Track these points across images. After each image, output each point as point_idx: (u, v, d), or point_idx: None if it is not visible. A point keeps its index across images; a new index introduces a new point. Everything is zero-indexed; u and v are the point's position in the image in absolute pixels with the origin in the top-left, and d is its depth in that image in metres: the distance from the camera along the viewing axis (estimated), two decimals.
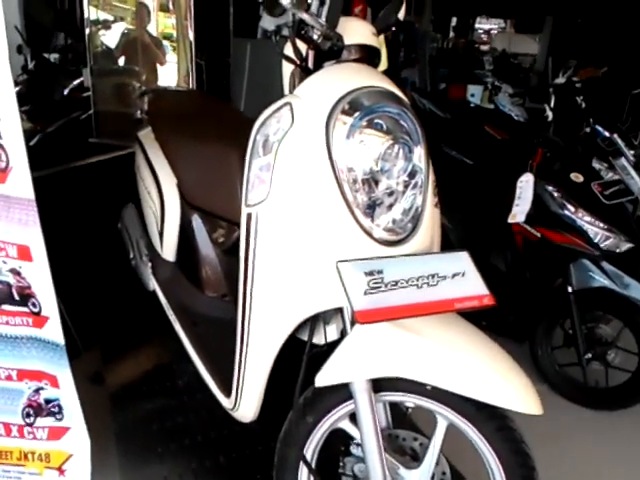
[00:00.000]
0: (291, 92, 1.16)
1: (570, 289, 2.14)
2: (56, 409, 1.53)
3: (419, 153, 1.08)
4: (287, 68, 1.25)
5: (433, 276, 1.01)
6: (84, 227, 2.34)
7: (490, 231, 2.47)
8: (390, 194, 1.07)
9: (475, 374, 1.03)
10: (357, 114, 1.05)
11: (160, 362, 2.17)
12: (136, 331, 2.27)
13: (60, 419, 1.52)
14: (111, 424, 1.82)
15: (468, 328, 1.11)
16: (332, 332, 1.26)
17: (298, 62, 1.16)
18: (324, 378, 1.09)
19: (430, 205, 1.12)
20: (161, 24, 3.91)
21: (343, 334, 1.12)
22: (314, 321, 1.18)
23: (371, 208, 1.06)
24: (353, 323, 1.09)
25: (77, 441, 1.51)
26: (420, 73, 6.36)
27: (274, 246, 1.13)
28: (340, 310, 1.12)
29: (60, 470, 1.54)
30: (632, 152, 2.25)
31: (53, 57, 4.39)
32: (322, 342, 1.25)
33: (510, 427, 1.09)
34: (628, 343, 2.15)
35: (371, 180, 1.06)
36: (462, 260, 1.05)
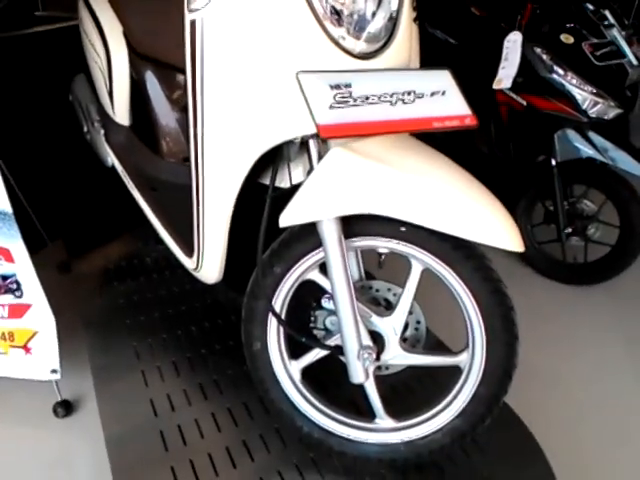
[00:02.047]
0: None
1: (554, 162, 2.06)
2: (14, 285, 1.47)
3: None
4: None
5: (409, 93, 0.89)
6: (34, 102, 2.16)
7: (474, 105, 2.33)
8: None
9: (453, 208, 0.94)
10: None
11: (128, 245, 2.07)
12: (101, 216, 2.14)
13: (19, 296, 1.46)
14: (79, 305, 1.75)
15: (446, 161, 1.01)
16: (298, 174, 1.15)
17: None
18: (289, 217, 0.99)
19: (407, 16, 0.96)
20: None
21: (310, 174, 1.00)
22: (277, 161, 1.06)
23: (339, 14, 0.90)
24: (320, 159, 0.98)
25: (41, 318, 1.45)
26: None
27: (224, 59, 0.96)
28: (306, 147, 1.00)
29: (25, 348, 1.49)
30: (623, 32, 2.11)
31: None
32: (287, 185, 1.14)
33: (488, 266, 1.03)
34: (609, 217, 2.11)
35: None
36: (443, 78, 0.92)
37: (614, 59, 2.04)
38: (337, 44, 0.91)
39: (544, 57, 2.02)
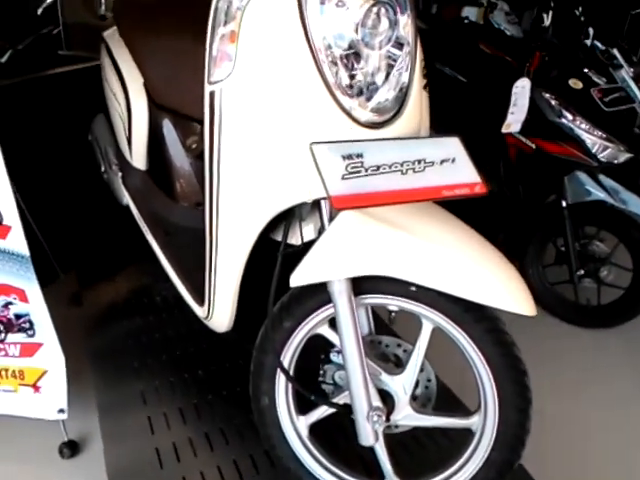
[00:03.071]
0: None
1: (564, 203, 2.07)
2: (27, 325, 1.49)
3: (405, 21, 0.94)
4: None
5: (419, 162, 0.90)
6: (56, 142, 2.21)
7: (483, 145, 2.35)
8: (373, 68, 0.94)
9: (463, 271, 0.94)
10: None
11: (139, 282, 2.09)
12: (114, 251, 2.17)
13: (32, 335, 1.48)
14: (87, 342, 1.77)
15: (456, 223, 1.02)
16: (309, 231, 1.16)
17: None
18: (300, 277, 1.00)
19: (418, 85, 0.99)
20: None
21: (321, 233, 1.02)
22: (289, 219, 1.07)
23: (351, 86, 0.93)
24: (332, 219, 0.99)
25: (51, 357, 1.47)
26: None
27: (241, 128, 1.00)
28: (318, 206, 1.02)
29: (35, 387, 1.51)
30: (632, 69, 2.12)
31: None
32: (298, 242, 1.16)
33: (500, 329, 1.02)
34: (622, 259, 2.10)
35: (352, 54, 0.93)
36: (452, 146, 0.94)
37: (623, 104, 2.05)
38: (349, 115, 0.93)
39: (553, 102, 2.04)
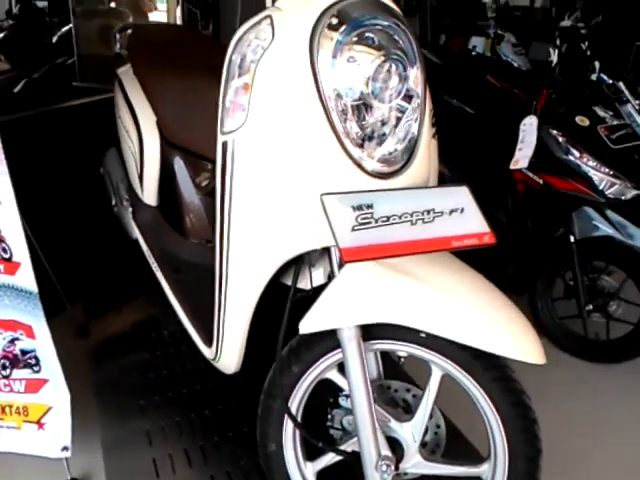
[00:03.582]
0: (273, 4, 1.02)
1: (572, 238, 2.06)
2: (33, 361, 1.48)
3: (415, 74, 0.96)
4: None
5: (429, 212, 0.91)
6: (67, 173, 2.24)
7: (491, 179, 2.36)
8: (383, 121, 0.95)
9: (472, 319, 0.94)
10: (344, 28, 0.92)
11: (146, 315, 2.10)
12: (122, 283, 2.18)
13: (37, 371, 1.47)
14: (93, 377, 1.76)
15: (465, 270, 1.02)
16: (319, 276, 1.16)
17: None
18: (309, 324, 1.00)
19: (427, 135, 1.00)
20: None
21: (330, 278, 1.03)
22: (299, 264, 1.08)
23: (361, 136, 0.95)
24: (341, 265, 1.00)
25: (56, 394, 1.46)
26: (420, 22, 6.10)
27: (252, 178, 1.01)
28: (327, 252, 1.03)
29: (39, 424, 1.49)
30: (637, 102, 2.14)
31: (42, 4, 4.22)
32: (308, 287, 1.16)
33: (510, 377, 1.02)
34: (631, 294, 2.08)
35: (362, 105, 0.94)
36: (461, 195, 0.94)
37: (630, 142, 2.06)
38: (358, 165, 0.95)
39: (560, 139, 2.05)
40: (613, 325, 2.13)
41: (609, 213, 2.02)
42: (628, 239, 1.98)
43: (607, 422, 1.86)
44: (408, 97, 0.96)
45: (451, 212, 0.92)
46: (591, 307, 2.11)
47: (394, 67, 0.92)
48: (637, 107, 2.14)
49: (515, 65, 2.80)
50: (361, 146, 0.95)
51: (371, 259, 0.87)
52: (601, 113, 2.12)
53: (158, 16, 3.70)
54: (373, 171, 0.96)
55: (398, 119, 0.97)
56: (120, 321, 2.07)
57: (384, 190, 0.93)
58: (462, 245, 0.90)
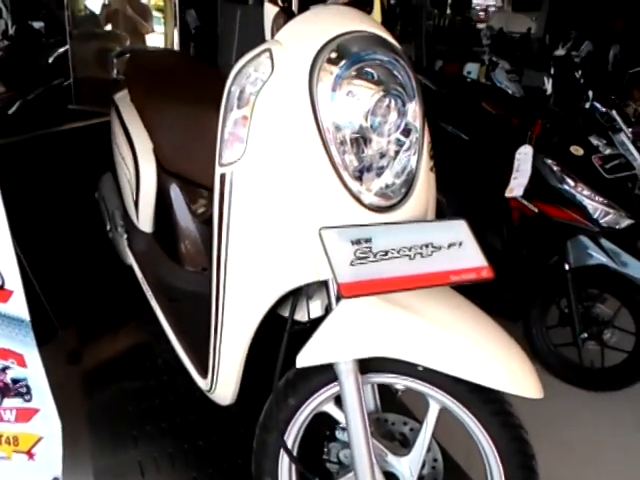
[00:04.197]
0: (273, 38, 1.03)
1: (567, 267, 2.07)
2: (24, 389, 1.46)
3: (413, 109, 0.97)
4: (270, 11, 1.12)
5: (427, 246, 0.91)
6: (61, 197, 2.23)
7: (486, 206, 2.38)
8: (381, 154, 0.96)
9: (469, 354, 0.94)
10: (344, 62, 0.93)
11: (140, 341, 2.07)
12: (115, 308, 2.16)
13: (29, 400, 1.45)
14: (85, 405, 1.73)
15: (463, 303, 1.02)
16: (316, 308, 1.16)
17: (281, 3, 1.04)
18: (306, 358, 0.99)
19: (425, 168, 1.01)
20: None
21: (328, 310, 1.02)
22: (296, 296, 1.08)
23: (360, 170, 0.95)
24: (339, 298, 1.00)
25: (47, 423, 1.43)
26: (416, 48, 6.20)
27: (250, 210, 1.01)
28: (325, 284, 1.02)
29: (29, 454, 1.46)
30: (630, 129, 2.17)
31: (39, 25, 4.27)
32: (305, 319, 1.15)
33: (507, 412, 1.01)
34: (625, 322, 2.09)
35: (360, 138, 0.95)
36: (459, 229, 0.95)
37: (623, 171, 2.09)
38: (357, 198, 0.95)
39: (554, 168, 2.07)
40: (608, 353, 2.13)
41: (603, 242, 2.03)
42: (622, 267, 1.99)
43: (603, 450, 1.84)
44: (406, 131, 0.97)
45: (449, 246, 0.93)
46: (586, 335, 2.11)
47: (393, 102, 0.93)
48: (630, 136, 2.17)
49: (509, 92, 2.84)
50: (359, 179, 0.95)
51: (369, 294, 0.87)
52: (595, 141, 2.15)
53: (155, 38, 3.75)
54: (371, 204, 0.96)
55: (396, 153, 0.97)
56: (113, 347, 2.04)
57: (382, 224, 0.93)
58: (460, 280, 0.91)
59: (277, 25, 1.05)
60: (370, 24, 1.00)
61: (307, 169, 0.95)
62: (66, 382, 1.63)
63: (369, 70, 0.93)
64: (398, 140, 0.97)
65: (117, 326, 2.13)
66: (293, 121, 0.96)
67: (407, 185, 0.98)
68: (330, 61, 0.93)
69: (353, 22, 0.98)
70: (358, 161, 0.95)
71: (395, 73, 0.95)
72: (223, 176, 1.03)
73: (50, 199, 2.18)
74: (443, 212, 2.31)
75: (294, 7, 1.05)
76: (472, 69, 6.10)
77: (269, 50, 0.99)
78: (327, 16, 1.01)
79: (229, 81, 1.02)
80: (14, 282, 1.33)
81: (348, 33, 0.95)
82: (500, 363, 0.94)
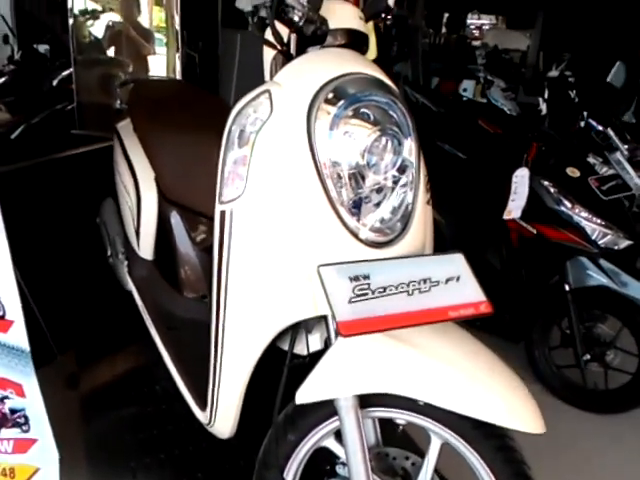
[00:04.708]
0: (272, 79, 1.05)
1: (567, 287, 2.07)
2: (22, 420, 1.45)
3: (409, 146, 0.98)
4: (268, 53, 1.14)
5: (425, 281, 0.91)
6: (62, 222, 2.24)
7: (485, 227, 2.39)
8: (378, 191, 0.97)
9: (471, 389, 0.93)
10: (341, 103, 0.94)
11: (138, 367, 2.06)
12: (115, 333, 2.15)
13: (26, 430, 1.44)
14: (83, 435, 1.72)
15: (463, 336, 1.01)
16: (315, 341, 1.16)
17: (279, 47, 1.06)
18: (305, 394, 0.99)
19: (422, 203, 1.02)
20: (157, 17, 3.92)
21: (327, 344, 1.01)
22: (295, 330, 1.08)
23: (357, 206, 0.96)
24: (337, 333, 0.99)
25: (45, 455, 1.42)
26: (413, 67, 6.27)
27: (250, 247, 1.02)
28: (324, 317, 1.02)
29: None
30: (626, 147, 2.18)
31: (44, 48, 4.32)
32: (304, 352, 1.15)
33: (509, 447, 1.00)
34: (627, 343, 2.08)
35: (357, 175, 0.96)
36: (456, 263, 0.95)
37: (620, 192, 2.09)
38: (354, 234, 0.95)
39: (551, 190, 2.08)
40: (611, 374, 2.11)
41: (603, 262, 2.03)
42: (622, 288, 1.99)
43: (607, 474, 1.82)
44: (403, 167, 0.98)
45: (447, 281, 0.93)
46: (588, 357, 2.10)
47: (389, 143, 0.94)
48: (626, 154, 2.17)
49: (505, 109, 2.86)
50: (356, 215, 0.96)
51: (368, 333, 0.86)
52: (591, 160, 2.15)
53: (157, 59, 3.78)
54: (369, 240, 0.96)
55: (393, 189, 0.98)
56: (111, 372, 2.03)
57: (380, 259, 0.93)
58: (459, 315, 0.90)
59: (276, 66, 1.06)
60: (367, 66, 1.02)
61: (305, 205, 0.96)
62: (64, 408, 1.62)
63: (365, 111, 0.95)
64: (394, 176, 0.97)
65: (115, 351, 2.12)
66: (291, 159, 0.97)
67: (404, 220, 0.99)
68: (328, 101, 0.95)
69: (350, 64, 1.00)
70: (355, 197, 0.96)
71: (391, 113, 0.96)
72: (223, 213, 1.04)
73: (52, 223, 2.19)
74: (441, 231, 2.32)
75: (292, 49, 1.06)
76: (468, 86, 6.17)
77: (268, 91, 1.01)
78: (325, 58, 1.03)
79: (229, 121, 1.04)
80: (15, 312, 1.33)
81: (346, 75, 0.97)
82: (501, 398, 0.93)
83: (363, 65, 1.02)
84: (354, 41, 1.10)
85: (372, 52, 1.23)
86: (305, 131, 0.95)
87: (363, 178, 0.96)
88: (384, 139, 0.94)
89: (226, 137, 1.04)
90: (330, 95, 0.95)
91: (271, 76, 1.11)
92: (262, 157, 0.99)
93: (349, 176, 0.95)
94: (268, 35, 1.09)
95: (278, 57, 1.12)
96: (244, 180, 1.00)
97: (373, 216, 0.97)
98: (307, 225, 0.96)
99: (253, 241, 1.01)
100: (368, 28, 1.16)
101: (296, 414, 1.09)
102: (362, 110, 0.95)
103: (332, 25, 1.05)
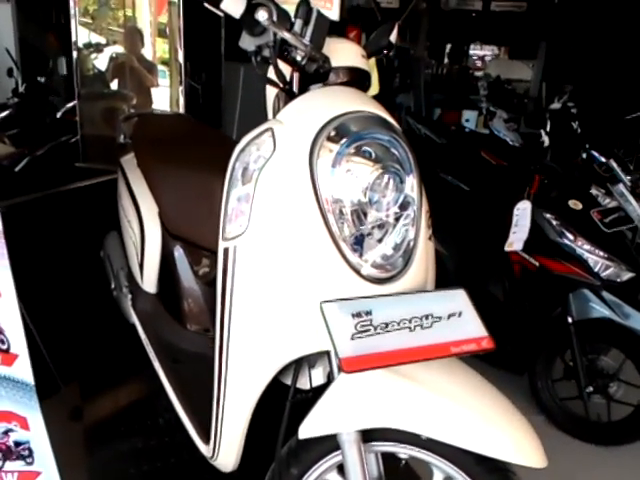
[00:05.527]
0: (275, 117, 1.08)
1: (570, 319, 2.07)
2: (26, 452, 1.45)
3: (411, 183, 1.01)
4: (271, 92, 1.17)
5: (427, 317, 0.92)
6: (66, 255, 2.26)
7: (488, 259, 2.39)
8: (380, 227, 0.99)
9: (473, 424, 0.93)
10: (344, 141, 0.97)
11: (142, 399, 2.06)
12: (118, 365, 2.16)
13: (30, 463, 1.44)
14: (86, 467, 1.71)
15: (465, 371, 1.02)
16: (318, 376, 1.17)
17: (281, 85, 1.09)
18: (308, 429, 0.99)
19: (423, 239, 1.04)
20: (160, 50, 3.98)
21: (330, 379, 1.03)
22: (298, 364, 1.08)
23: (359, 243, 0.98)
24: (340, 369, 1.00)
25: None
26: (415, 98, 6.36)
27: (253, 283, 1.04)
28: (327, 352, 1.03)
29: None
30: (629, 177, 2.20)
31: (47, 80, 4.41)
32: (307, 387, 1.16)
33: None
34: (630, 375, 2.07)
35: (359, 212, 0.98)
36: (458, 299, 0.96)
37: (623, 225, 2.11)
38: (356, 271, 0.97)
39: (554, 222, 2.09)
40: (614, 406, 2.10)
41: (605, 294, 2.03)
42: (625, 320, 1.99)
43: None
44: (405, 204, 1.00)
45: (449, 316, 0.94)
46: (591, 389, 2.09)
47: (391, 180, 0.97)
48: (629, 184, 2.18)
49: (508, 140, 2.90)
50: (358, 252, 0.98)
51: (370, 369, 0.88)
52: (594, 192, 2.17)
53: (161, 91, 3.85)
54: (371, 276, 0.98)
55: (394, 225, 1.00)
56: (115, 404, 2.03)
57: (382, 295, 0.95)
58: (461, 351, 0.92)
59: (278, 104, 1.09)
60: (369, 104, 1.04)
61: (307, 242, 0.98)
62: (68, 439, 1.61)
63: (367, 149, 0.97)
64: (396, 213, 1.00)
65: (119, 383, 2.12)
66: (294, 196, 0.99)
67: (406, 256, 1.01)
68: (330, 139, 0.97)
69: (353, 102, 1.02)
70: (357, 233, 0.98)
71: (393, 151, 0.99)
72: (226, 250, 1.06)
73: (56, 256, 2.21)
74: (443, 263, 2.33)
75: (295, 87, 1.09)
76: (470, 116, 6.25)
77: (271, 129, 1.03)
78: (327, 96, 1.06)
79: (233, 158, 1.07)
80: (20, 346, 1.35)
81: (348, 113, 0.99)
82: (503, 433, 0.94)
83: (365, 103, 1.05)
84: (356, 78, 1.13)
85: (374, 88, 1.26)
86: (308, 168, 0.97)
87: (365, 215, 0.98)
88: (386, 177, 0.97)
89: (229, 174, 1.07)
90: (332, 133, 0.97)
91: (274, 113, 1.14)
92: (265, 194, 1.01)
93: (351, 213, 0.98)
94: (271, 73, 1.12)
95: (281, 94, 1.15)
96: (247, 217, 1.02)
97: (375, 252, 0.98)
98: (310, 261, 0.98)
99: (256, 277, 1.03)
100: (370, 64, 1.19)
101: (299, 448, 1.09)
102: (364, 148, 0.97)
103: (334, 63, 1.08)
